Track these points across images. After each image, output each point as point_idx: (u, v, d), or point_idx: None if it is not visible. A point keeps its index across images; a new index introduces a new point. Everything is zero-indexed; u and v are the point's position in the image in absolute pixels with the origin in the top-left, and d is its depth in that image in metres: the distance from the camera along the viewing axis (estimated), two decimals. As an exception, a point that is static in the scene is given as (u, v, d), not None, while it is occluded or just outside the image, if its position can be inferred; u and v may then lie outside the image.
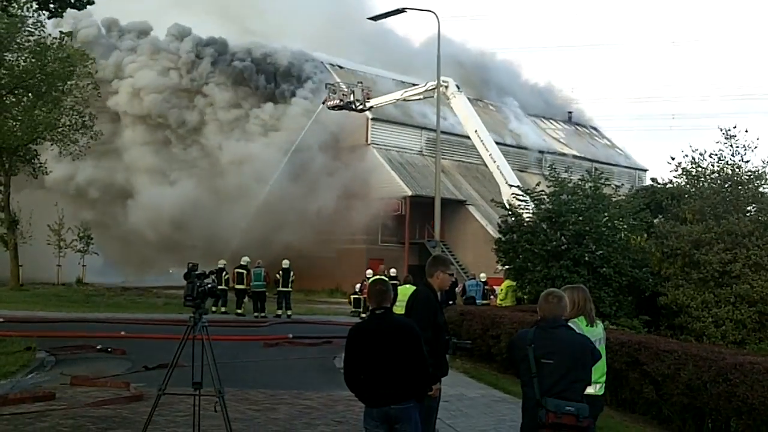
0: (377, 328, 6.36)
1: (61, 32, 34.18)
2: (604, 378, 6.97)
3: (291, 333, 22.05)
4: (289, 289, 29.57)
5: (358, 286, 32.95)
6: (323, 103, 49.68)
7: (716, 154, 24.45)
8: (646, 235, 22.96)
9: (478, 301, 26.44)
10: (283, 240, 43.56)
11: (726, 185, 24.05)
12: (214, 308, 27.27)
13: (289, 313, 29.10)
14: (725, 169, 24.31)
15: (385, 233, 51.39)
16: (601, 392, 6.96)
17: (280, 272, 29.43)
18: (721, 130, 24.28)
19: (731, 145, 24.12)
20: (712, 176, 24.58)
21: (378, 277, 7.03)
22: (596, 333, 6.84)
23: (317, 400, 12.49)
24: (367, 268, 34.73)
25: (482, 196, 51.24)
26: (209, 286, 7.18)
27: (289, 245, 43.03)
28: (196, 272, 7.02)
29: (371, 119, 51.93)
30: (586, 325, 6.76)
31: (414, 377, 6.27)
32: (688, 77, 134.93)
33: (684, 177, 25.53)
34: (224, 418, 7.03)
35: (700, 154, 24.74)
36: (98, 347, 17.56)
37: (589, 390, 6.56)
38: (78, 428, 9.79)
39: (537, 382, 5.90)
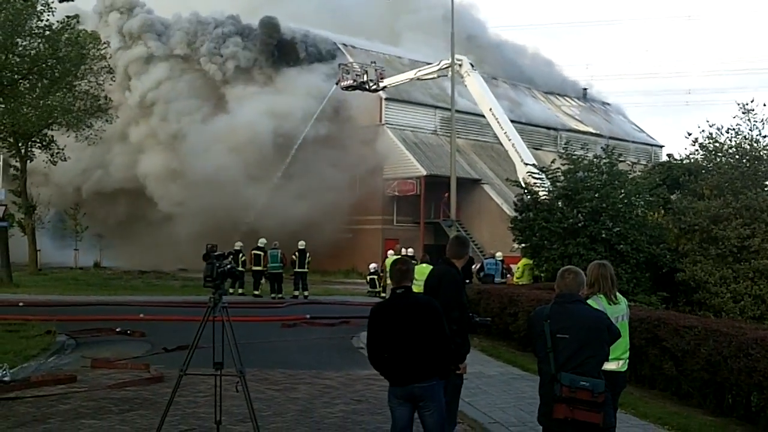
0: (399, 306, 6.41)
1: (67, 16, 34.11)
2: (626, 354, 6.95)
3: (308, 314, 22.16)
4: (306, 270, 29.65)
5: (374, 266, 33.02)
6: (336, 83, 49.55)
7: (733, 129, 24.28)
8: (663, 212, 22.87)
9: (496, 280, 26.44)
10: (297, 221, 43.64)
11: (744, 160, 23.87)
12: (231, 290, 27.39)
13: (306, 293, 29.18)
14: (743, 143, 24.13)
15: (400, 213, 51.39)
16: (624, 368, 6.94)
17: (296, 253, 29.50)
18: (739, 104, 24.10)
19: (749, 120, 23.94)
20: (730, 151, 24.40)
21: (399, 256, 7.09)
22: (618, 310, 6.81)
23: (336, 379, 12.56)
24: (387, 249, 34.83)
25: (497, 174, 51.07)
26: (228, 266, 7.20)
27: (304, 226, 43.14)
28: (215, 253, 7.05)
29: (385, 99, 51.77)
30: (608, 303, 6.73)
31: (437, 355, 6.31)
32: (704, 52, 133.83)
33: (701, 152, 25.37)
34: (246, 397, 7.08)
35: (717, 129, 24.59)
36: (117, 330, 17.74)
37: (611, 366, 6.56)
38: (100, 410, 9.89)
39: (552, 357, 5.95)
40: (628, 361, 7.01)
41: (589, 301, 6.60)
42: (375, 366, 6.55)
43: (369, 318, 6.50)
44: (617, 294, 6.97)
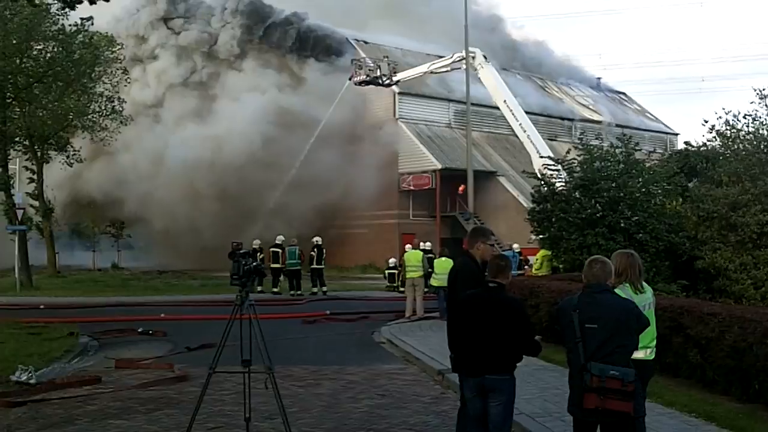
0: (488, 300, 6.51)
1: (81, 18, 34.30)
2: (654, 343, 6.92)
3: (328, 310, 22.20)
4: (322, 266, 29.74)
5: (393, 260, 33.03)
6: (350, 78, 49.58)
7: (750, 115, 24.14)
8: (681, 200, 22.75)
9: (513, 272, 26.38)
10: (313, 215, 43.74)
11: (762, 146, 23.72)
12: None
13: (324, 289, 29.23)
14: (760, 129, 23.98)
15: (416, 207, 51.36)
16: (652, 357, 6.91)
17: (315, 249, 29.60)
18: (755, 90, 23.95)
19: (766, 105, 23.77)
20: (747, 137, 24.25)
21: (500, 253, 7.24)
22: (644, 299, 6.78)
23: (359, 374, 12.60)
24: (404, 244, 34.87)
25: (512, 166, 50.93)
26: (254, 264, 7.23)
27: (319, 221, 43.23)
28: (241, 251, 7.08)
29: (398, 93, 51.74)
30: (634, 292, 6.70)
31: (515, 351, 6.48)
32: (717, 38, 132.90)
33: (718, 139, 25.22)
34: (275, 394, 7.11)
35: (734, 115, 24.43)
36: (139, 330, 17.81)
37: (639, 354, 6.54)
38: (126, 410, 9.95)
39: (582, 347, 5.95)
40: (655, 349, 6.98)
41: (617, 290, 6.58)
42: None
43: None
44: (643, 283, 6.94)
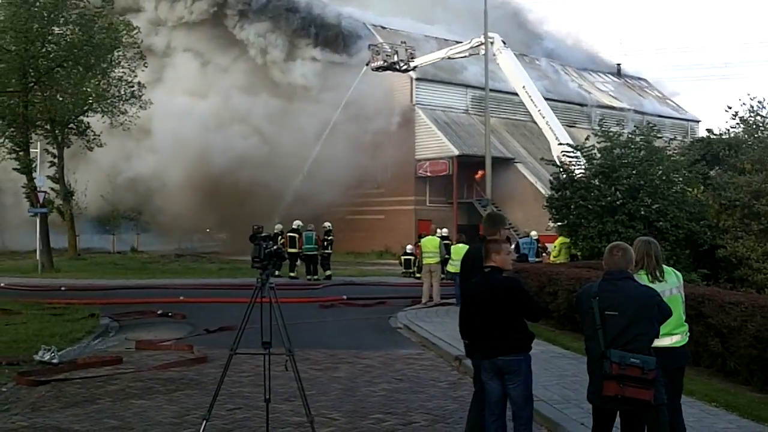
0: (485, 284, 6.57)
1: (103, 1, 34.42)
2: (681, 330, 6.75)
3: (345, 294, 22.26)
4: (329, 251, 30.18)
5: (409, 247, 33.05)
6: (367, 64, 49.48)
7: (775, 101, 23.86)
8: (702, 188, 22.55)
9: (530, 259, 26.30)
10: (329, 201, 43.78)
11: (787, 133, 23.49)
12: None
13: (328, 273, 29.65)
14: (785, 116, 23.73)
15: (433, 194, 51.33)
16: (679, 344, 6.74)
17: (330, 234, 29.86)
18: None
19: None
20: (772, 124, 24.01)
21: (491, 237, 7.16)
22: (663, 287, 6.62)
23: (376, 359, 12.64)
24: (421, 230, 34.95)
25: (530, 153, 50.78)
26: (275, 248, 7.24)
27: (335, 207, 43.27)
28: (262, 234, 7.09)
29: (416, 79, 51.60)
30: (650, 281, 6.61)
31: (525, 326, 6.54)
32: (741, 23, 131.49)
33: (741, 126, 24.95)
34: (295, 376, 7.14)
35: (759, 102, 24.14)
36: (159, 312, 17.97)
37: (665, 342, 6.48)
38: (147, 390, 10.04)
39: (602, 334, 5.92)
40: (682, 336, 6.82)
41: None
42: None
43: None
44: (669, 269, 6.82)
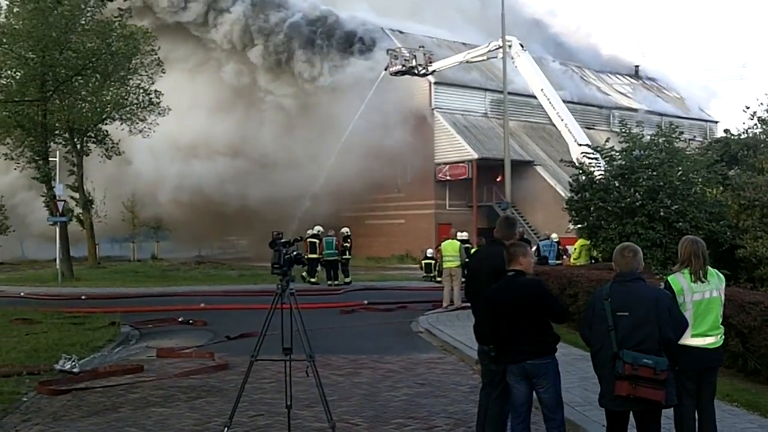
0: (509, 289, 6.55)
1: (120, 9, 34.64)
2: (716, 332, 6.58)
3: (366, 300, 22.26)
4: (349, 256, 30.24)
5: (429, 250, 33.02)
6: (385, 69, 49.53)
7: (794, 101, 23.67)
8: (721, 188, 22.38)
9: (551, 261, 26.21)
10: (348, 207, 43.83)
11: (805, 132, 23.28)
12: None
13: (347, 279, 29.70)
14: (804, 115, 23.53)
15: (453, 197, 51.28)
16: (713, 346, 6.57)
17: (346, 240, 29.95)
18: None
19: (810, 91, 23.31)
20: (791, 123, 23.82)
21: (512, 241, 7.13)
22: (703, 288, 6.50)
23: (398, 363, 12.61)
24: (441, 234, 34.97)
25: (549, 155, 50.65)
26: (295, 253, 7.26)
27: (355, 212, 43.35)
28: (282, 240, 7.10)
29: (434, 83, 51.60)
30: (692, 281, 6.53)
31: (550, 328, 6.52)
32: (758, 23, 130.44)
33: (760, 126, 24.77)
34: (317, 382, 7.14)
35: (777, 101, 23.98)
36: (180, 320, 18.03)
37: (697, 342, 6.42)
38: (169, 398, 10.06)
39: (614, 335, 5.97)
40: (717, 338, 6.62)
41: (672, 276, 6.55)
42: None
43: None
44: (712, 271, 6.65)
